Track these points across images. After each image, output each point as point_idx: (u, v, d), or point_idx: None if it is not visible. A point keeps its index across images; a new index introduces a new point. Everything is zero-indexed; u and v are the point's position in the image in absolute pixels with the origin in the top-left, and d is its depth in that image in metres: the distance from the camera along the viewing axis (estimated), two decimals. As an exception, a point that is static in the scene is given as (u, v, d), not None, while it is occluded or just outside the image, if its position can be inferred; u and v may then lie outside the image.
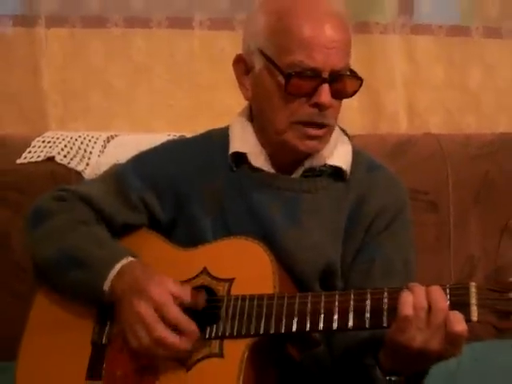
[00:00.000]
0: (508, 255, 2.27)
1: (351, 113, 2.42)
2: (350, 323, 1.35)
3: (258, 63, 1.56)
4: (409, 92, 2.52)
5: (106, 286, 1.48)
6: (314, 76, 1.50)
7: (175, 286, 1.45)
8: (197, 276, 1.50)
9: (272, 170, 1.62)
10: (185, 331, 1.41)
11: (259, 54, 1.55)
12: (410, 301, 1.30)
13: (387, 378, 1.40)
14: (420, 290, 1.31)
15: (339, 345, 1.54)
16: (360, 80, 1.55)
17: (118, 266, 1.48)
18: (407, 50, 2.51)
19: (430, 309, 1.29)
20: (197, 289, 1.48)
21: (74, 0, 2.33)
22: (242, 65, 1.60)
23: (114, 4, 2.36)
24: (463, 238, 2.26)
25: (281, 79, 1.51)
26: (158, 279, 1.45)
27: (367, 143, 2.14)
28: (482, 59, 2.57)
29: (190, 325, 1.41)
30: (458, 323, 1.27)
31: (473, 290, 1.30)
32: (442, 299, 1.30)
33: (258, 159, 1.62)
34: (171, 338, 1.40)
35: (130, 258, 1.50)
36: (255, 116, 1.64)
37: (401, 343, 1.31)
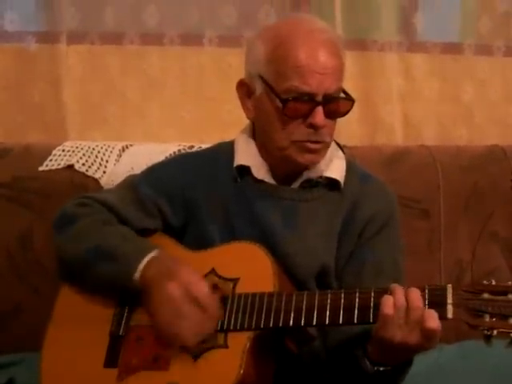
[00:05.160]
0: (487, 257, 2.35)
1: (350, 125, 2.48)
2: (341, 319, 1.46)
3: (259, 88, 1.64)
4: (404, 105, 2.59)
5: (137, 275, 1.55)
6: (309, 100, 1.58)
7: (199, 274, 1.54)
8: (206, 276, 1.59)
9: (273, 182, 1.71)
10: (209, 308, 1.49)
11: (259, 79, 1.63)
12: (391, 301, 1.41)
13: (375, 368, 1.49)
14: (400, 291, 1.42)
15: (333, 339, 1.62)
16: (352, 101, 1.64)
17: (148, 257, 1.56)
18: (403, 66, 2.58)
19: (407, 308, 1.40)
20: None
21: (92, 19, 2.38)
22: (244, 88, 1.68)
23: (129, 22, 2.41)
24: (453, 244, 2.32)
25: (278, 103, 1.59)
26: (186, 265, 1.54)
27: (365, 154, 2.24)
28: (473, 75, 2.63)
29: (213, 302, 1.50)
30: (432, 320, 1.38)
31: (449, 290, 1.40)
32: (417, 299, 1.40)
33: (261, 171, 1.71)
34: (196, 316, 1.48)
35: (156, 252, 1.58)
36: (257, 134, 1.73)
37: (384, 339, 1.42)
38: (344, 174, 1.74)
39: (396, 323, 1.41)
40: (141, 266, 1.56)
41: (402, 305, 1.41)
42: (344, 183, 1.73)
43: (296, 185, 1.72)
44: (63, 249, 1.69)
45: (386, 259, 1.69)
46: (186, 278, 1.51)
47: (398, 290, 1.43)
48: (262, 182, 1.71)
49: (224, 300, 1.55)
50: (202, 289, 1.51)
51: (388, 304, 1.41)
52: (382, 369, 1.50)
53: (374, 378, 1.51)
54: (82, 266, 1.65)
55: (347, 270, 1.69)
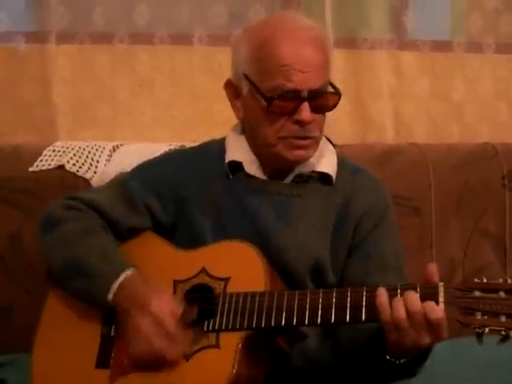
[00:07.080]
0: (478, 254, 2.36)
1: (341, 123, 2.47)
2: (332, 318, 1.46)
3: (245, 87, 1.65)
4: (395, 103, 2.58)
5: (110, 297, 1.57)
6: (294, 97, 1.59)
7: (171, 300, 1.56)
8: (196, 275, 1.59)
9: (264, 177, 1.72)
10: (178, 342, 1.53)
11: (245, 78, 1.64)
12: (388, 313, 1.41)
13: (397, 361, 1.48)
14: (398, 302, 1.41)
15: (347, 336, 1.62)
16: (339, 94, 1.64)
17: (120, 279, 1.57)
18: (394, 64, 2.58)
19: (408, 313, 1.40)
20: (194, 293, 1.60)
21: (81, 18, 2.37)
22: (232, 89, 1.70)
23: (119, 22, 2.41)
24: (444, 241, 2.33)
25: (263, 102, 1.60)
26: (157, 293, 1.56)
27: (355, 152, 2.22)
28: (464, 72, 2.64)
29: (182, 338, 1.53)
30: (433, 312, 1.38)
31: (441, 289, 1.41)
32: (416, 302, 1.40)
33: (252, 167, 1.71)
34: (167, 351, 1.51)
35: (132, 271, 1.59)
36: (247, 133, 1.74)
37: (394, 342, 1.43)
38: (335, 168, 1.75)
39: (402, 330, 1.40)
40: (113, 289, 1.57)
41: (403, 317, 1.40)
42: (336, 178, 1.74)
43: (288, 180, 1.73)
44: (45, 252, 1.71)
45: (387, 252, 1.70)
46: (154, 312, 1.53)
47: (397, 302, 1.42)
48: (253, 177, 1.72)
49: (215, 300, 1.56)
50: (171, 323, 1.53)
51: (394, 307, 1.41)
52: (402, 361, 1.49)
53: (397, 369, 1.51)
54: (59, 277, 1.66)
55: (352, 266, 1.70)
